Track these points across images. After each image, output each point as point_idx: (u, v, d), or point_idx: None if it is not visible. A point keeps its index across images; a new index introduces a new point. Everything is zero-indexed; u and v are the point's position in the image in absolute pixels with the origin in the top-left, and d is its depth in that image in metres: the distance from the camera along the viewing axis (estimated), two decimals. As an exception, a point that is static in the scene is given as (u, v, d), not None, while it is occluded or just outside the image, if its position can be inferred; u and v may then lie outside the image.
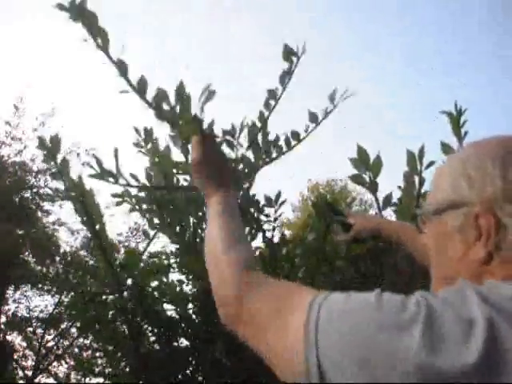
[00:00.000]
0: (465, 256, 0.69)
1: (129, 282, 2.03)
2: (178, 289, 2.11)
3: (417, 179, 1.90)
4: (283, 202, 2.17)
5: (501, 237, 0.66)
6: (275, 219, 2.18)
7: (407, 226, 1.35)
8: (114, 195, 1.95)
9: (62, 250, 12.20)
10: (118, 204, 2.03)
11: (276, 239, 2.20)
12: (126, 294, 2.02)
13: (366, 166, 1.86)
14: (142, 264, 2.10)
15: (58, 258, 11.57)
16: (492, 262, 0.67)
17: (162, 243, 2.34)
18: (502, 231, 0.66)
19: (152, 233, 2.18)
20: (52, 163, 1.87)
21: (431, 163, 1.87)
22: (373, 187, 1.86)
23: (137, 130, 2.07)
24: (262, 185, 2.23)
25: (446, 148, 1.85)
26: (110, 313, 2.08)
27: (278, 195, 2.18)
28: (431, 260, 0.77)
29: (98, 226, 1.95)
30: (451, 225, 0.71)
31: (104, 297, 2.13)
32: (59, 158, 1.87)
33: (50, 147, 1.84)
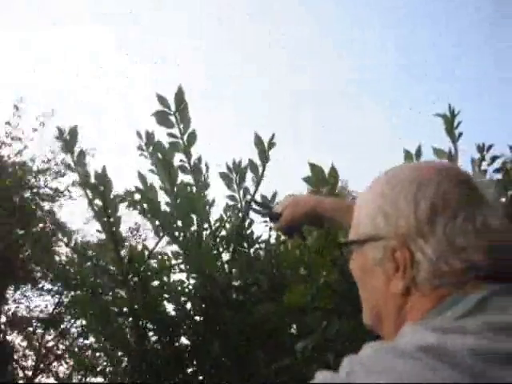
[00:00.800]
0: (386, 288, 0.72)
1: (135, 279, 2.07)
2: (179, 288, 2.14)
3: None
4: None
5: (415, 270, 0.69)
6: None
7: (340, 202, 1.32)
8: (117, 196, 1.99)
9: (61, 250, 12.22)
10: (122, 201, 2.06)
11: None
12: (130, 289, 2.05)
13: (323, 182, 1.86)
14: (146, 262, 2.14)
15: (57, 259, 11.57)
16: (411, 295, 0.70)
17: (161, 244, 2.37)
18: (415, 265, 0.69)
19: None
20: (68, 155, 1.94)
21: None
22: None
23: (139, 135, 2.09)
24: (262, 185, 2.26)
25: (438, 153, 1.88)
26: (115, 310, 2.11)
27: (274, 195, 2.23)
28: (359, 289, 0.79)
29: (112, 219, 2.00)
30: (372, 257, 0.74)
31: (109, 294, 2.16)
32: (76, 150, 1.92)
33: (68, 140, 1.89)
